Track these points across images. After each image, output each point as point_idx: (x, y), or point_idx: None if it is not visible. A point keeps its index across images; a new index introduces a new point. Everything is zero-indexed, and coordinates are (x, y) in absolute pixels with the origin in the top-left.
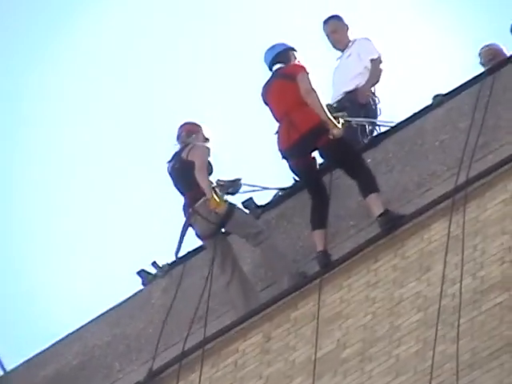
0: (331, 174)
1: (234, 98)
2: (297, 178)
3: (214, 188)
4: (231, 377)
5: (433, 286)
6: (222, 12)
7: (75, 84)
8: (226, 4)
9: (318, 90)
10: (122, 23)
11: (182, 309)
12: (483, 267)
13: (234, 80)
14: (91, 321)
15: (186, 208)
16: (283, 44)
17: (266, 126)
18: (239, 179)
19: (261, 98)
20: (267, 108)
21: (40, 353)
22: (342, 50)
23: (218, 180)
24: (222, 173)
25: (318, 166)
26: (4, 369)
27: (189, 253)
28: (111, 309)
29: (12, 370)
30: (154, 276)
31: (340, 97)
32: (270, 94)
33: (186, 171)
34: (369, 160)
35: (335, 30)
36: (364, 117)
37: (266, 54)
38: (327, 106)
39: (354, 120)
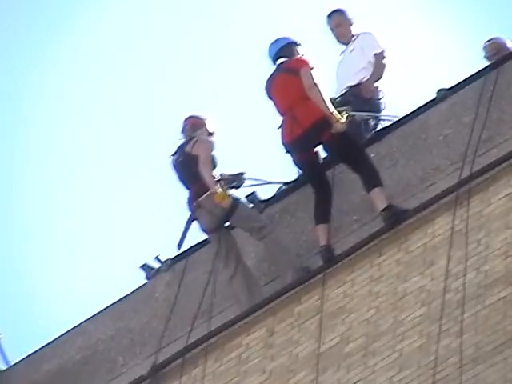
0: (334, 168)
1: (236, 92)
2: (300, 172)
3: (218, 182)
4: (235, 371)
5: (436, 280)
6: (222, 12)
7: (75, 84)
8: (226, 4)
9: (321, 85)
10: (122, 23)
11: (186, 303)
12: (487, 261)
13: (236, 75)
14: (95, 315)
15: (190, 202)
16: (287, 38)
17: (269, 120)
18: (243, 173)
19: (264, 92)
20: (270, 102)
21: (43, 347)
22: (346, 44)
23: (222, 174)
24: (225, 167)
25: (321, 161)
26: (8, 363)
27: (192, 247)
28: (115, 303)
29: (15, 364)
30: (158, 270)
31: (344, 91)
32: (273, 88)
33: (190, 165)
34: (372, 154)
35: (339, 23)
36: (368, 111)
37: (269, 47)
38: (331, 99)
39: (358, 114)
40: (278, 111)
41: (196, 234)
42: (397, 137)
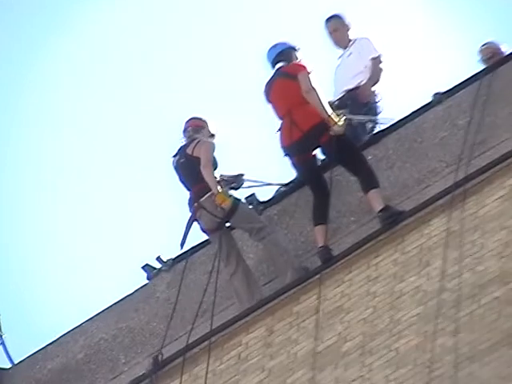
0: (332, 170)
1: (236, 94)
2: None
3: (219, 183)
4: (234, 369)
5: (432, 280)
6: (221, 12)
7: (75, 84)
8: (226, 4)
9: (319, 89)
10: (123, 23)
11: (186, 303)
12: (482, 262)
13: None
14: (97, 314)
15: (191, 202)
16: (285, 43)
17: (268, 123)
18: (242, 174)
19: (263, 96)
20: (269, 105)
21: (46, 346)
22: (344, 49)
23: (221, 175)
24: (225, 168)
25: (319, 163)
26: (12, 361)
27: (192, 248)
28: (116, 303)
29: (19, 363)
30: (159, 271)
31: (341, 94)
32: (272, 92)
33: (192, 166)
34: (369, 157)
35: (336, 28)
36: (365, 114)
37: (268, 51)
38: (328, 103)
39: (355, 118)
40: (277, 115)
41: (197, 235)
42: (393, 140)
